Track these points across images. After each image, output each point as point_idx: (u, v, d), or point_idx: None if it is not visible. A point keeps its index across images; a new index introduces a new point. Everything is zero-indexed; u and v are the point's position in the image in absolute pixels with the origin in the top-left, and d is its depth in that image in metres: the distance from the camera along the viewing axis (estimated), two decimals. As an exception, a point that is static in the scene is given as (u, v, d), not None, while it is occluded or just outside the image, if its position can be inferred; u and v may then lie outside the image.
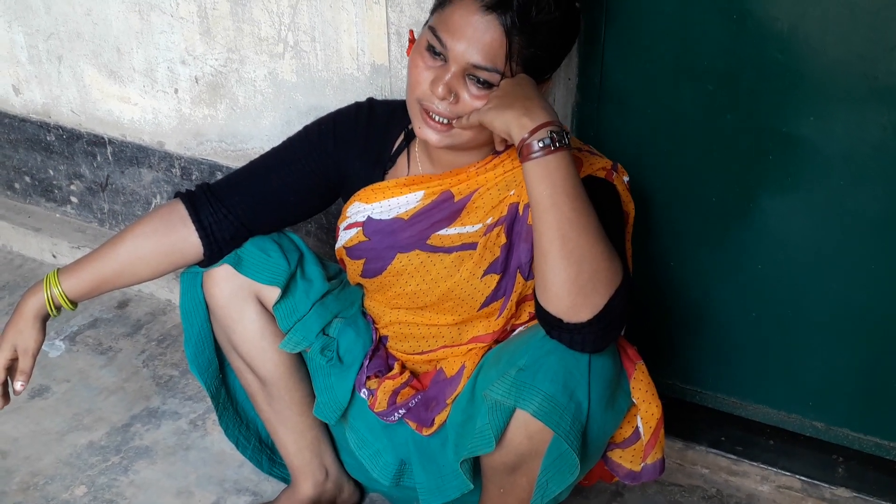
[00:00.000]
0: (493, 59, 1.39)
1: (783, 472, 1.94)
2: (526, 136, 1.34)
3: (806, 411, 1.98)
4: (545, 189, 1.35)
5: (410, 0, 1.86)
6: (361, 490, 1.93)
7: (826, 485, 1.91)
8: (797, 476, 1.93)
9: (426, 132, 1.46)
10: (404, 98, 1.53)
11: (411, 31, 1.53)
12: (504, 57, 1.39)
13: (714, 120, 1.80)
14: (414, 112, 1.48)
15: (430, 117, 1.45)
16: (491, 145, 1.52)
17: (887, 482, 1.91)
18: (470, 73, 1.41)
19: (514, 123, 1.35)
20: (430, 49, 1.43)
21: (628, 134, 1.89)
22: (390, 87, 2.01)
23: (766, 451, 1.99)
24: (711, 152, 1.83)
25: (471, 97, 1.42)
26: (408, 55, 1.48)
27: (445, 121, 1.45)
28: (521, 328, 1.58)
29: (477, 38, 1.38)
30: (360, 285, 1.75)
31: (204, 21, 2.21)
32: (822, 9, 1.62)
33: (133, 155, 2.52)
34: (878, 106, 1.65)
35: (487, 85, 1.41)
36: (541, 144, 1.34)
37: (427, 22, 1.46)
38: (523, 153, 1.35)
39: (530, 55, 1.41)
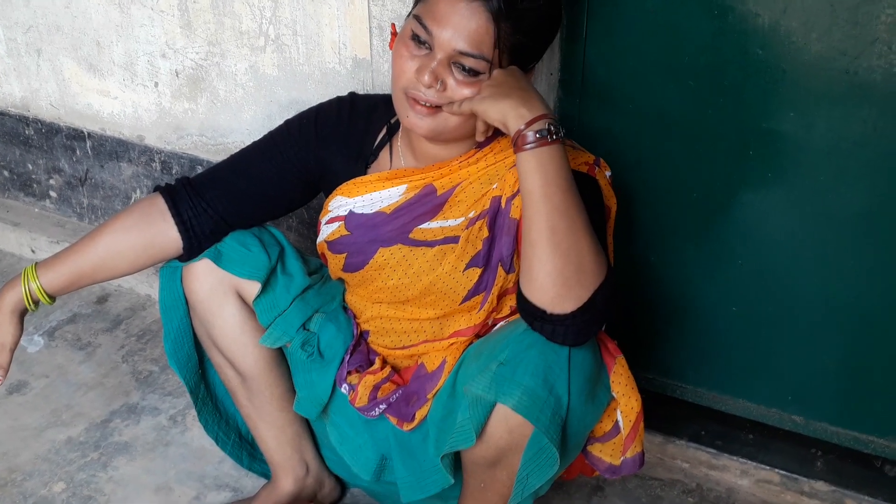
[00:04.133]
0: (479, 46, 1.39)
1: (762, 465, 1.95)
2: (522, 126, 1.35)
3: (785, 406, 1.99)
4: (537, 180, 1.36)
5: (392, -6, 1.86)
6: (342, 485, 1.93)
7: (805, 478, 1.92)
8: (776, 470, 1.94)
9: (413, 119, 1.46)
10: (386, 92, 1.52)
11: (393, 25, 1.53)
12: (490, 44, 1.39)
13: (696, 116, 1.80)
14: (400, 102, 1.47)
15: (417, 103, 1.44)
16: (473, 139, 1.52)
17: (865, 476, 1.93)
18: (455, 61, 1.41)
19: (512, 113, 1.36)
20: (415, 38, 1.43)
21: (610, 129, 1.89)
22: (372, 82, 2.01)
23: (745, 446, 2.00)
24: (693, 148, 1.84)
25: (457, 84, 1.42)
26: (391, 48, 1.48)
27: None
28: (502, 323, 1.58)
29: (463, 25, 1.38)
30: (341, 280, 1.75)
31: (184, 14, 2.20)
32: (803, 4, 1.63)
33: (113, 149, 2.51)
34: (859, 101, 1.66)
35: (473, 72, 1.41)
36: (537, 136, 1.35)
37: (411, 12, 1.46)
38: (518, 143, 1.36)
39: (516, 42, 1.41)
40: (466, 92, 1.42)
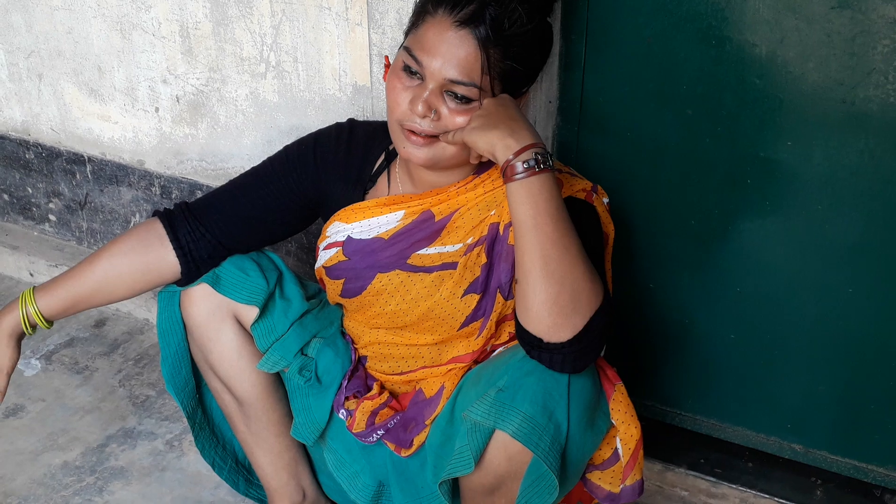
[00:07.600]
0: (469, 74, 1.40)
1: (762, 494, 1.94)
2: (511, 157, 1.36)
3: (785, 434, 1.98)
4: (528, 209, 1.36)
5: (392, 22, 1.87)
6: (339, 512, 1.92)
7: (804, 508, 1.92)
8: (776, 498, 1.93)
9: (410, 150, 1.46)
10: (385, 119, 1.53)
11: (386, 58, 1.54)
12: (480, 71, 1.40)
13: (693, 144, 1.81)
14: (396, 134, 1.48)
15: (413, 133, 1.45)
16: (471, 165, 1.52)
17: (865, 505, 1.93)
18: (447, 89, 1.42)
19: (500, 144, 1.36)
20: (407, 69, 1.44)
21: (609, 157, 1.90)
22: (372, 108, 2.01)
23: (745, 474, 1.99)
24: (691, 176, 1.84)
25: (450, 112, 1.42)
26: (384, 80, 1.49)
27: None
28: (500, 349, 1.58)
29: (452, 54, 1.39)
30: (339, 305, 1.75)
31: (186, 40, 2.21)
32: (801, 35, 1.64)
33: (112, 173, 2.51)
34: (856, 131, 1.67)
35: (466, 100, 1.42)
36: (525, 166, 1.35)
37: (402, 44, 1.47)
38: (507, 174, 1.36)
39: (506, 68, 1.42)
40: (460, 120, 1.42)
